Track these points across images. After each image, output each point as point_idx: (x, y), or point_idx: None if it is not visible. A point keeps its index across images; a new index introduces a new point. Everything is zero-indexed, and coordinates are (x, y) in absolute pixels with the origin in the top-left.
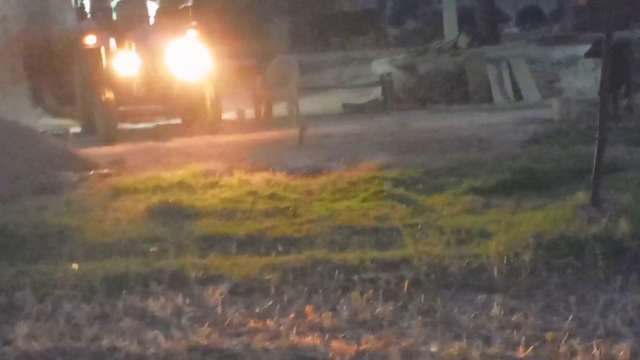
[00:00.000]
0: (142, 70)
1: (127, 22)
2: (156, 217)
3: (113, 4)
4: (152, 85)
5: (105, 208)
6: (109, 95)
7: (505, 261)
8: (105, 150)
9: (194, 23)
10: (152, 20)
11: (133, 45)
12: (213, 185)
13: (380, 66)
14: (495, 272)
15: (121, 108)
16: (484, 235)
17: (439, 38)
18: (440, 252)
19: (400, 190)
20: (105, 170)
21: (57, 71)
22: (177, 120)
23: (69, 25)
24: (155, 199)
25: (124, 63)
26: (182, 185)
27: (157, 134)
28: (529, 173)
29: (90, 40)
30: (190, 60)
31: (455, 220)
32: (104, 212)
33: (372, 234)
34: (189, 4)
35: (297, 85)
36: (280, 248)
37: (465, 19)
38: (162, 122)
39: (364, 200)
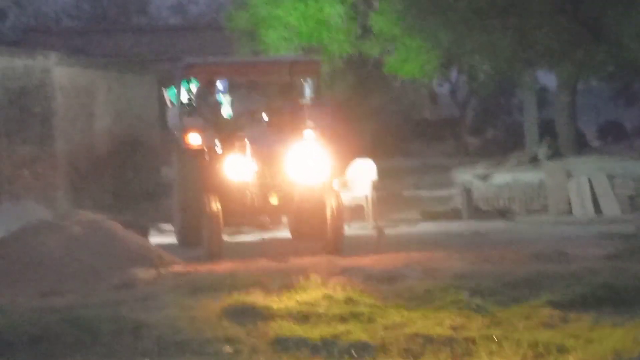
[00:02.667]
0: (257, 176)
1: (240, 121)
2: (231, 317)
3: (220, 99)
4: (268, 194)
5: (181, 305)
6: (216, 204)
7: None
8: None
9: (311, 123)
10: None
11: (248, 147)
12: (289, 286)
13: (460, 175)
14: None
15: (230, 219)
16: (562, 350)
17: (519, 149)
18: None
19: (477, 301)
20: (183, 268)
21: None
22: (284, 233)
23: (153, 122)
24: (231, 298)
25: (236, 168)
26: (257, 285)
27: (271, 251)
28: (609, 288)
29: (194, 139)
30: (312, 166)
31: (532, 334)
32: (179, 309)
33: (447, 344)
34: (306, 102)
35: (375, 190)
36: (354, 354)
37: (546, 131)
38: (269, 236)
39: (440, 308)
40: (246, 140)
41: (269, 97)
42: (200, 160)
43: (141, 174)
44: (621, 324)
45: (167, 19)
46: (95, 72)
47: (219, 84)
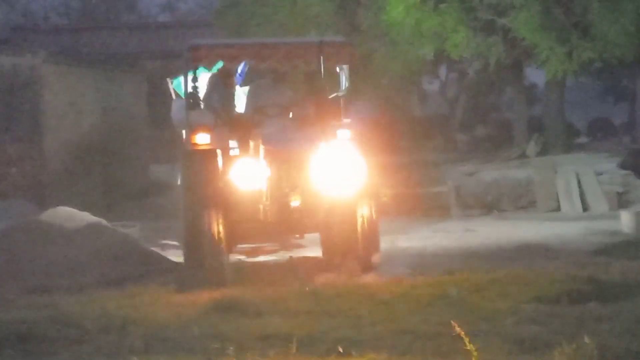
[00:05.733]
0: (272, 185)
1: (257, 116)
2: (219, 314)
3: (238, 91)
4: (286, 207)
5: (169, 302)
6: (219, 220)
7: None
8: None
9: (347, 120)
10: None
11: (261, 148)
12: (277, 284)
13: (449, 172)
14: None
15: (238, 237)
16: (548, 345)
17: (508, 145)
18: None
19: (465, 297)
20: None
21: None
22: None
23: (142, 119)
24: (219, 294)
25: (245, 173)
26: (246, 282)
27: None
28: (596, 284)
29: (202, 139)
30: (343, 173)
31: (519, 329)
32: (167, 306)
33: (434, 339)
34: (341, 93)
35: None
36: (340, 350)
37: (535, 128)
38: (296, 254)
39: (428, 305)
40: (260, 139)
41: (292, 87)
42: (210, 164)
43: (130, 171)
44: (607, 319)
45: (156, 16)
46: (83, 69)
47: (235, 72)
